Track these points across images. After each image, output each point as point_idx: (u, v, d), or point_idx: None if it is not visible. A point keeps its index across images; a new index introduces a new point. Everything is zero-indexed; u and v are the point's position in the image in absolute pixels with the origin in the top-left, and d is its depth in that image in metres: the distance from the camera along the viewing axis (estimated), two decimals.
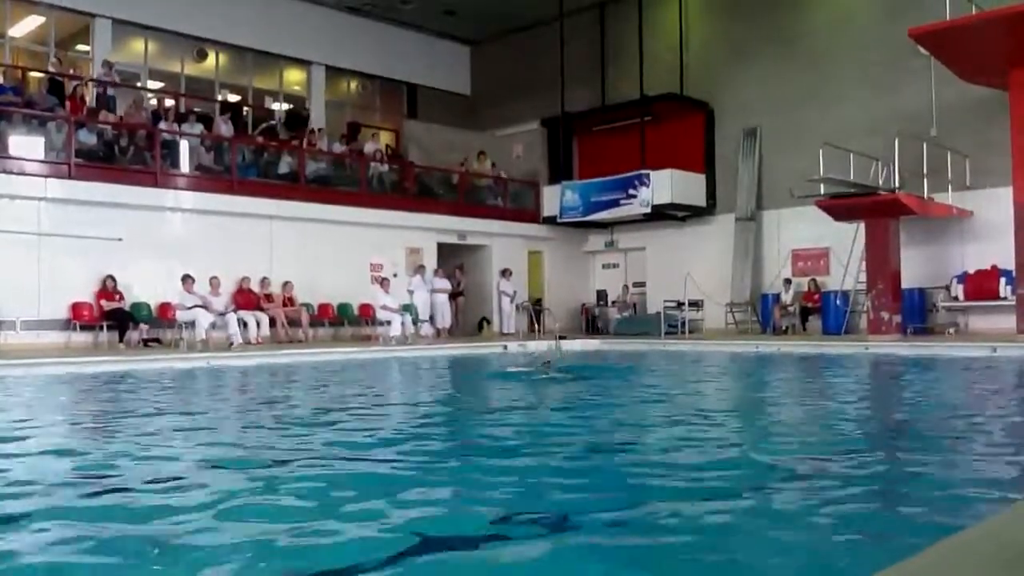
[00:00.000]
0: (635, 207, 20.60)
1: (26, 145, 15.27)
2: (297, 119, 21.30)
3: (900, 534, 3.17)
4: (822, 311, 18.30)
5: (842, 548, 3.04)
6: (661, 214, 21.01)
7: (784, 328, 18.49)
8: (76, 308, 15.12)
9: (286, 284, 17.26)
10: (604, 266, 24.19)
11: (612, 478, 4.33)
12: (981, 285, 16.53)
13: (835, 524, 3.28)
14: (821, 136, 16.59)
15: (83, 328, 15.13)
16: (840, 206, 16.66)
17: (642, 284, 22.74)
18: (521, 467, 4.52)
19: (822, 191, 16.70)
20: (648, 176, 20.30)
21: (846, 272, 17.70)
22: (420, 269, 19.53)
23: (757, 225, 20.41)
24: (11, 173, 14.81)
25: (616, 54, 22.84)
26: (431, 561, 2.92)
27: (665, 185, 20.26)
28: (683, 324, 19.42)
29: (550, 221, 22.58)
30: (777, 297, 19.00)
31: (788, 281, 19.12)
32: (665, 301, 20.13)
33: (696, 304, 20.05)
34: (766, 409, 7.62)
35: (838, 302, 17.72)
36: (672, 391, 9.19)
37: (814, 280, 18.94)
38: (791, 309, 18.73)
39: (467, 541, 3.12)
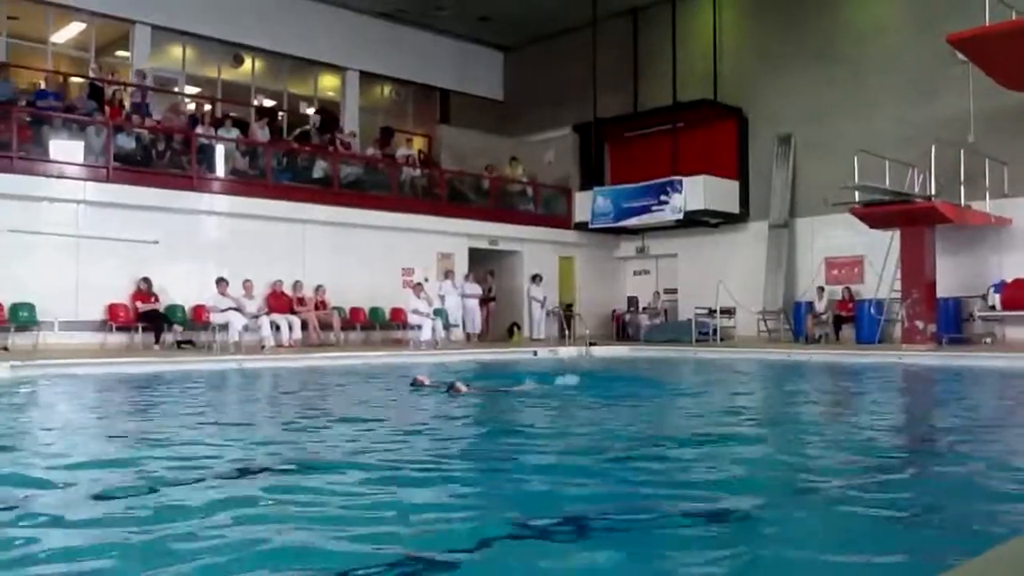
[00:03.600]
0: (667, 213, 20.52)
1: (66, 149, 15.53)
2: (330, 120, 21.45)
3: (933, 551, 3.14)
4: (856, 320, 18.11)
5: (871, 562, 3.02)
6: (693, 221, 20.91)
7: (817, 337, 18.32)
8: (112, 309, 15.34)
9: (319, 288, 17.38)
10: (635, 272, 24.11)
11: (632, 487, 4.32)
12: (1019, 294, 16.24)
13: (864, 540, 3.26)
14: (855, 143, 16.46)
15: (119, 329, 15.33)
16: (875, 214, 16.50)
17: (673, 291, 22.65)
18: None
19: (857, 199, 16.54)
20: (680, 182, 20.21)
21: (880, 280, 17.50)
22: (450, 274, 19.59)
23: (790, 232, 20.25)
24: (51, 176, 15.07)
25: (649, 60, 22.80)
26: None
27: (698, 191, 20.16)
28: (715, 331, 19.31)
29: (581, 227, 22.56)
30: (810, 305, 18.83)
31: (821, 289, 18.94)
32: (696, 308, 20.03)
33: (728, 311, 19.93)
34: (798, 420, 7.56)
35: (872, 311, 17.52)
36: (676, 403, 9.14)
37: (848, 288, 18.75)
38: (824, 317, 18.56)
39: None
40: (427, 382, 9.20)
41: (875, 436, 6.24)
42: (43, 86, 17.14)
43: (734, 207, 20.97)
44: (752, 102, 21.09)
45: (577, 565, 2.97)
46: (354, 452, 5.25)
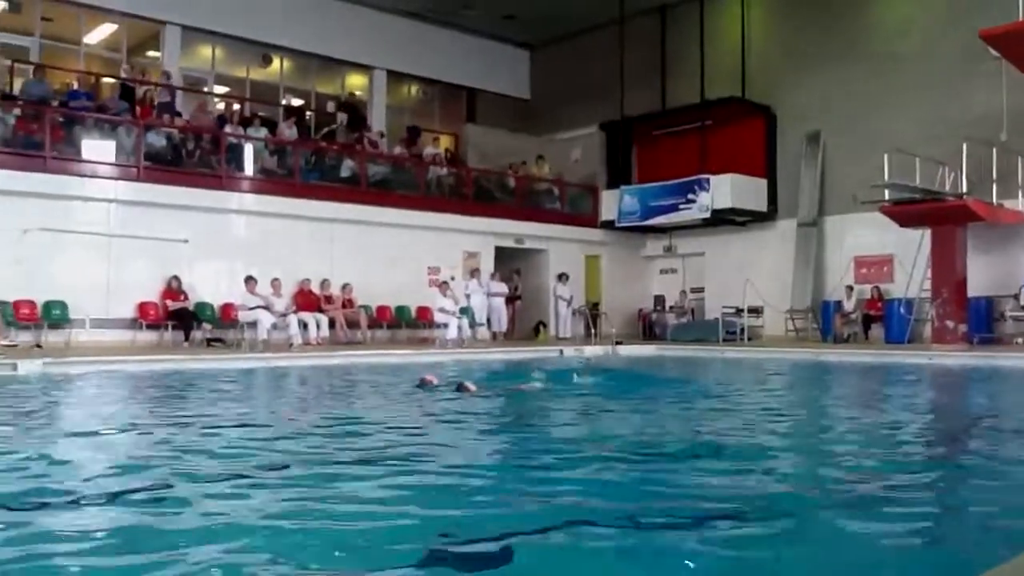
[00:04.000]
0: (694, 212, 20.43)
1: (98, 149, 15.73)
2: (357, 119, 21.55)
3: (966, 555, 3.11)
4: (885, 319, 17.95)
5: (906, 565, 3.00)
6: (721, 219, 20.81)
7: (846, 336, 18.17)
8: (143, 307, 15.52)
9: (346, 286, 17.47)
10: (662, 271, 24.03)
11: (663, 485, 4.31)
12: None
13: (898, 541, 3.24)
14: (885, 141, 16.30)
15: (149, 327, 15.51)
16: (905, 212, 16.35)
17: (700, 290, 22.54)
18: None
19: (887, 197, 16.39)
20: (708, 181, 20.11)
21: (910, 279, 17.32)
22: (476, 273, 19.62)
23: (819, 231, 20.09)
24: (84, 176, 15.27)
25: (676, 58, 22.70)
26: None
27: (725, 190, 20.06)
28: (742, 331, 19.20)
29: (608, 225, 22.51)
30: (839, 304, 18.67)
31: (850, 288, 18.78)
32: (724, 307, 19.93)
33: (756, 310, 19.81)
34: (826, 421, 7.50)
35: (902, 310, 17.35)
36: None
37: (877, 288, 18.57)
38: (853, 317, 18.40)
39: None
40: (435, 382, 9.10)
41: (906, 437, 6.18)
42: (75, 86, 17.36)
43: (762, 205, 20.84)
44: (780, 100, 20.94)
45: (598, 564, 2.97)
46: (378, 450, 5.28)
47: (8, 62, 16.76)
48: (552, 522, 3.38)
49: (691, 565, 2.93)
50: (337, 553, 3.03)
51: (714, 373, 12.94)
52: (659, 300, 23.18)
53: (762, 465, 4.82)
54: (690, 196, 20.39)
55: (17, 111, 15.55)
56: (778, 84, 20.90)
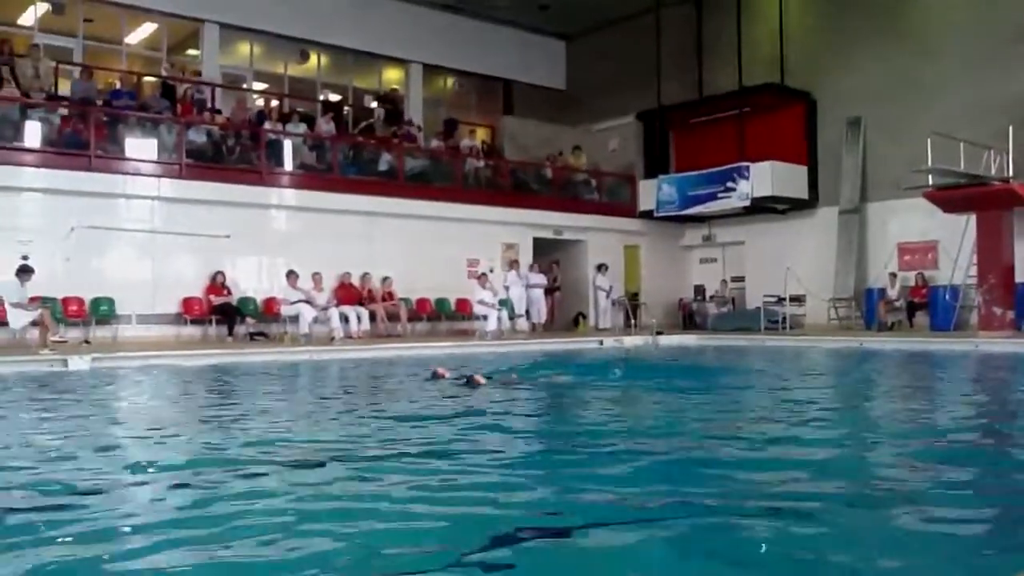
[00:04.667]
0: (734, 200, 20.27)
1: (141, 147, 15.96)
2: (394, 112, 21.66)
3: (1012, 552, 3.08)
4: (930, 306, 17.70)
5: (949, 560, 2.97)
6: (761, 207, 20.63)
7: (890, 324, 17.94)
8: (187, 303, 15.74)
9: (385, 279, 17.58)
10: (702, 260, 23.88)
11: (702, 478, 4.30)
12: None
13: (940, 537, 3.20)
14: (928, 125, 16.01)
15: (193, 322, 15.73)
16: (950, 197, 16.07)
17: (741, 279, 22.38)
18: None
19: (930, 182, 16.13)
20: (747, 168, 19.93)
21: (955, 266, 17.06)
22: (515, 264, 19.64)
23: (861, 218, 19.84)
24: (127, 174, 15.50)
25: (713, 45, 22.49)
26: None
27: (765, 177, 19.87)
28: (784, 319, 19.03)
29: (646, 215, 22.41)
30: (882, 292, 18.44)
31: (894, 275, 18.53)
32: (765, 296, 19.75)
33: (798, 299, 19.63)
34: (872, 411, 7.42)
35: (947, 297, 17.10)
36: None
37: (922, 274, 18.30)
38: (897, 304, 18.16)
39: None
40: (447, 375, 9.06)
41: (954, 427, 6.09)
42: (118, 86, 17.62)
43: (803, 193, 20.62)
44: (820, 85, 20.68)
45: (634, 555, 2.98)
46: (427, 443, 5.31)
47: (53, 63, 17.04)
48: (606, 515, 3.40)
49: (762, 548, 2.93)
50: (393, 549, 3.06)
51: (757, 362, 12.84)
52: (699, 290, 23.07)
53: (813, 455, 4.79)
54: (729, 184, 20.23)
55: (63, 111, 15.83)
56: (817, 69, 20.63)
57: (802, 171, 20.68)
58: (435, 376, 9.09)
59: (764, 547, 2.98)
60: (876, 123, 19.61)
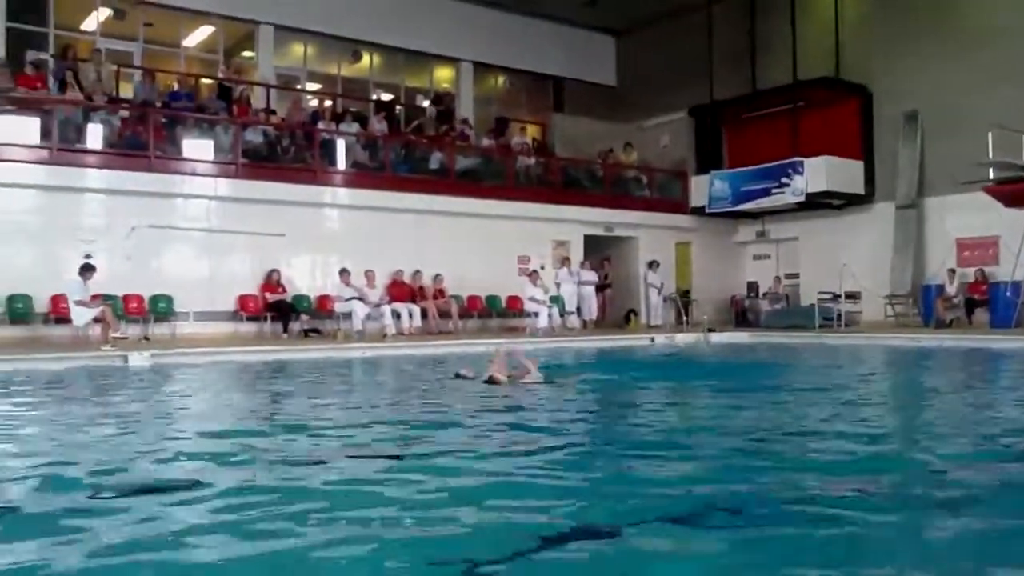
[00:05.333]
0: (787, 196, 20.02)
1: (198, 148, 16.29)
2: (445, 112, 21.79)
3: None
4: (990, 303, 17.28)
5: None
6: (815, 203, 20.33)
7: (948, 321, 17.55)
8: (243, 300, 16.02)
9: (437, 277, 17.70)
10: (755, 257, 23.63)
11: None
12: None
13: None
14: (988, 118, 15.67)
15: (249, 319, 16.01)
16: (1010, 192, 15.70)
17: (795, 275, 22.08)
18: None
19: (991, 176, 15.76)
20: (801, 164, 19.68)
21: (1017, 261, 16.64)
22: (566, 261, 19.64)
23: (919, 213, 19.45)
24: (185, 174, 15.84)
25: (766, 38, 22.19)
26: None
27: (819, 173, 19.59)
28: (839, 317, 18.74)
29: (698, 212, 22.23)
30: (940, 288, 18.05)
31: (952, 271, 18.14)
32: (820, 293, 19.48)
33: (853, 296, 19.30)
34: (929, 411, 7.29)
35: (1008, 293, 16.68)
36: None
37: (981, 270, 17.89)
38: (956, 301, 17.77)
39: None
40: (470, 374, 8.92)
41: (1015, 429, 5.96)
42: (176, 88, 17.99)
43: (858, 188, 20.29)
44: (876, 78, 20.30)
45: (690, 554, 2.99)
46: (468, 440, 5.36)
47: (114, 67, 17.47)
48: (653, 514, 3.41)
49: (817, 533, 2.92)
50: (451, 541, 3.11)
51: (813, 360, 12.70)
52: (752, 286, 22.81)
53: (876, 454, 4.75)
54: (783, 180, 19.99)
55: (124, 113, 16.23)
56: (874, 62, 20.26)
57: (858, 166, 20.35)
58: (460, 376, 9.06)
59: (824, 549, 2.98)
60: (934, 116, 19.19)
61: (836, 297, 19.03)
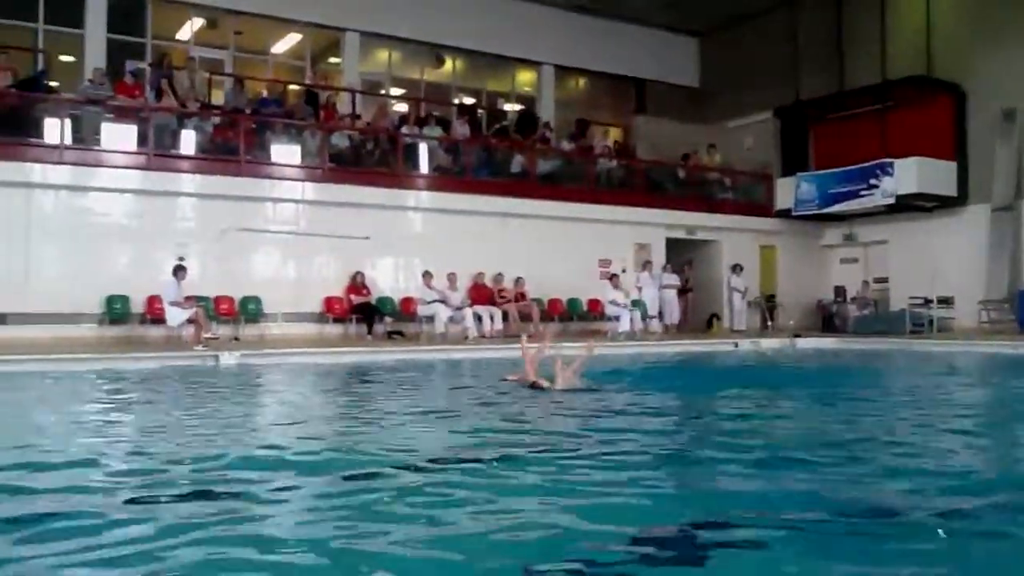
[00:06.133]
0: (877, 198, 19.52)
1: (286, 152, 16.68)
2: (529, 121, 21.86)
3: None
4: None
5: None
6: (906, 205, 19.77)
7: None
8: (329, 302, 16.33)
9: (518, 280, 17.76)
10: (842, 261, 23.06)
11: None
12: None
13: None
14: None
15: (335, 321, 16.30)
16: None
17: (884, 280, 21.49)
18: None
19: None
20: (891, 165, 19.16)
21: None
22: (648, 265, 19.50)
23: (1017, 215, 18.74)
24: (274, 178, 16.23)
25: (854, 37, 21.66)
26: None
27: (910, 174, 19.04)
28: (931, 322, 18.19)
29: (784, 214, 21.83)
30: None
31: None
32: (910, 298, 18.93)
33: (946, 301, 18.71)
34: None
35: None
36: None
37: None
38: None
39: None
40: (546, 384, 8.42)
41: None
42: (265, 94, 18.45)
43: (951, 190, 19.65)
44: (970, 76, 19.62)
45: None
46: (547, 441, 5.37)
47: (206, 75, 18.01)
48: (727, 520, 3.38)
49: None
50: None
51: (905, 367, 12.36)
52: (839, 291, 22.26)
53: (971, 466, 4.61)
54: (872, 181, 19.49)
55: (216, 119, 16.72)
56: (968, 59, 19.59)
57: (950, 167, 19.71)
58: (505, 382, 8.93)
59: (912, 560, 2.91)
60: None
61: (928, 302, 18.47)
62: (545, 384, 8.11)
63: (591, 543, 3.07)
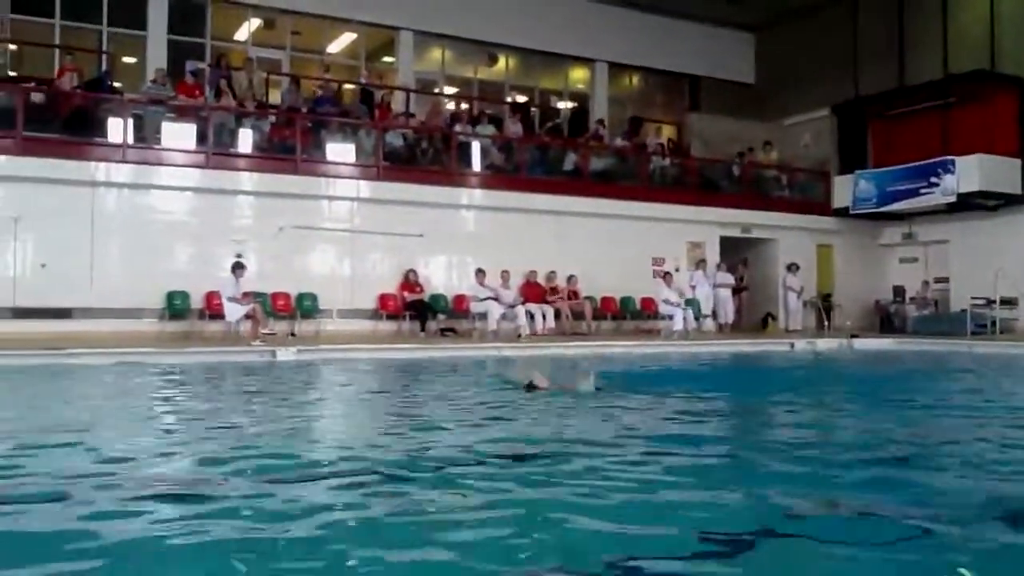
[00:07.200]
0: (937, 196, 19.11)
1: (341, 151, 16.86)
2: (582, 118, 21.82)
3: None
4: None
5: None
6: (967, 204, 19.31)
7: None
8: (383, 299, 16.47)
9: (571, 278, 17.72)
10: (901, 260, 22.59)
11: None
12: None
13: None
14: None
15: (389, 317, 16.43)
16: None
17: (944, 279, 21.02)
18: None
19: None
20: (953, 162, 18.74)
21: None
22: (702, 263, 19.33)
23: None
24: (329, 176, 16.41)
25: (915, 31, 21.23)
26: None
27: (973, 172, 18.60)
28: (993, 323, 17.76)
29: (841, 213, 21.47)
30: None
31: None
32: (972, 298, 18.50)
33: (1009, 301, 18.26)
34: None
35: None
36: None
37: None
38: None
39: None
40: (544, 384, 8.26)
41: None
42: (320, 93, 18.65)
43: (1016, 188, 19.14)
44: None
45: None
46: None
47: (264, 74, 18.27)
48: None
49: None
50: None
51: (972, 369, 12.09)
52: (898, 291, 21.85)
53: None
54: (933, 179, 19.08)
55: (272, 118, 16.97)
56: None
57: (1015, 164, 19.20)
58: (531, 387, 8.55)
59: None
60: None
61: (990, 303, 18.06)
62: (544, 384, 8.00)
63: (645, 548, 3.06)
